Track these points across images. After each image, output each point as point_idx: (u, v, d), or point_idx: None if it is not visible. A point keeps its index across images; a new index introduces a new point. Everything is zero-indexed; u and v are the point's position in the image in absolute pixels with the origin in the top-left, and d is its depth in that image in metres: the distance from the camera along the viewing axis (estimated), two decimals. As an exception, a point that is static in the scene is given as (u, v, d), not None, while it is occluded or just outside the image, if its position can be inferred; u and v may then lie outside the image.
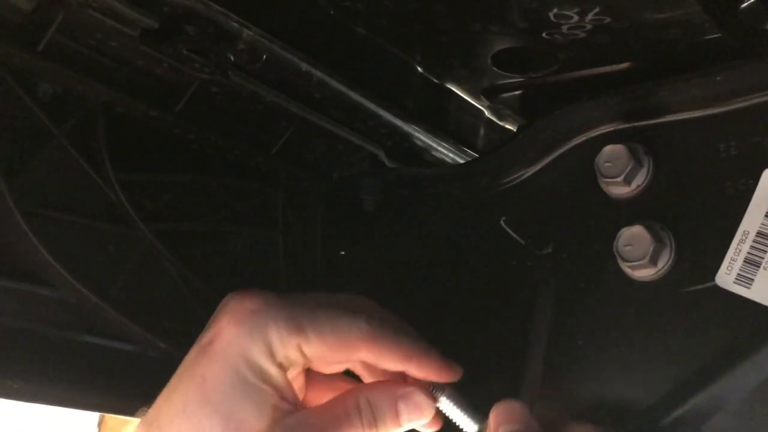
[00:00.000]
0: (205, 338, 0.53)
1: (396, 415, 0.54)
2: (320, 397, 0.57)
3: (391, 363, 0.55)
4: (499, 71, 0.64)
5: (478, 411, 0.54)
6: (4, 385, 0.63)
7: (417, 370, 0.55)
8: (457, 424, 0.55)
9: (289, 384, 0.53)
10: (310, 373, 0.57)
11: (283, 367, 0.52)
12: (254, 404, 0.51)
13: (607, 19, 0.53)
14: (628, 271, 0.56)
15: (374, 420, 0.53)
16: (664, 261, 0.55)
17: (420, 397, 0.54)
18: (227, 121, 0.68)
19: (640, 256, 0.54)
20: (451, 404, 0.55)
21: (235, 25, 0.60)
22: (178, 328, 0.70)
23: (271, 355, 0.51)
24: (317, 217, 0.75)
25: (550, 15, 0.53)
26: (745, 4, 0.51)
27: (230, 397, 0.51)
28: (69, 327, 0.67)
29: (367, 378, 0.59)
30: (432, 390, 0.55)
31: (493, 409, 0.53)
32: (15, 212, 0.62)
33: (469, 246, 0.66)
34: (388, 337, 0.54)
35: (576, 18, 0.53)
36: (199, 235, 0.74)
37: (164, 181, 0.72)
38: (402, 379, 0.56)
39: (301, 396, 0.56)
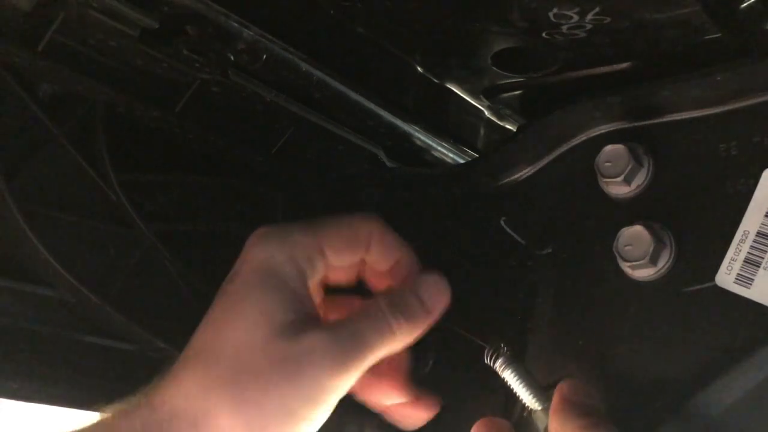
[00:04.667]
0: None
1: (421, 303, 0.54)
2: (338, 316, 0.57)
3: (397, 253, 0.56)
4: (499, 71, 0.64)
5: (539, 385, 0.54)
6: (4, 385, 0.64)
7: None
8: (518, 394, 0.54)
9: (314, 286, 0.54)
10: (326, 296, 0.58)
11: (304, 273, 0.53)
12: (281, 297, 0.52)
13: (607, 19, 0.53)
14: (628, 271, 0.56)
15: (402, 316, 0.53)
16: (664, 261, 0.55)
17: (434, 277, 0.55)
18: (227, 121, 0.68)
19: (640, 256, 0.54)
20: (513, 374, 0.54)
21: (235, 25, 0.60)
22: (178, 328, 0.70)
23: (294, 259, 0.53)
24: (317, 218, 0.75)
25: (550, 15, 0.53)
26: (745, 4, 0.51)
27: (258, 291, 0.52)
28: (69, 327, 0.67)
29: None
30: (494, 359, 0.55)
31: (559, 385, 0.53)
32: (15, 212, 0.62)
33: (468, 246, 0.66)
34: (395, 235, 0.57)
35: (576, 18, 0.53)
36: (199, 235, 0.74)
37: (164, 181, 0.72)
38: None
39: (321, 314, 0.56)
